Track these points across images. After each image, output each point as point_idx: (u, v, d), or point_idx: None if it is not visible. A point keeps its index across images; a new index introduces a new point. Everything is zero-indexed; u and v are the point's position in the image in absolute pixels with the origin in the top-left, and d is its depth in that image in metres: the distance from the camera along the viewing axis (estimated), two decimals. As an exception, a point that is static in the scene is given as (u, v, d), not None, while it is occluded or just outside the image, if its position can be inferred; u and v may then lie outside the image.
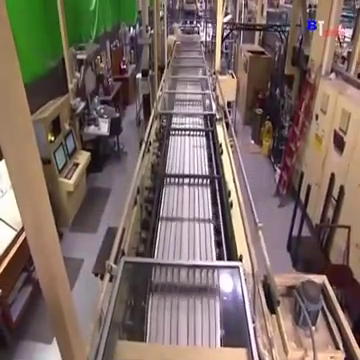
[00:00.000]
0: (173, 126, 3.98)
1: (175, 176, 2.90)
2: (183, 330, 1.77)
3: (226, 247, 2.20)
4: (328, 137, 5.30)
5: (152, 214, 2.45)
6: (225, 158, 3.20)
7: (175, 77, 5.75)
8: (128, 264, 1.92)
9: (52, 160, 5.39)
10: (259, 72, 9.84)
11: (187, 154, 3.32)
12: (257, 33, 11.55)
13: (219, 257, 2.21)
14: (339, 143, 4.89)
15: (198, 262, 1.95)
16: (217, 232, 2.36)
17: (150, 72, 9.49)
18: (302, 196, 5.70)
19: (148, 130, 3.55)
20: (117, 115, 8.28)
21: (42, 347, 4.02)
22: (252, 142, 9.78)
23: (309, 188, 5.43)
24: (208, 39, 8.79)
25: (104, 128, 7.58)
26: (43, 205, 0.83)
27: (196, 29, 11.40)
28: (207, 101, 4.79)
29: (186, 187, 2.83)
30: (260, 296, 1.80)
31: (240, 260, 1.98)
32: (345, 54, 8.98)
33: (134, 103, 11.54)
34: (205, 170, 3.11)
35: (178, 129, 3.84)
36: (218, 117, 4.13)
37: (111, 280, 1.93)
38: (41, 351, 4.00)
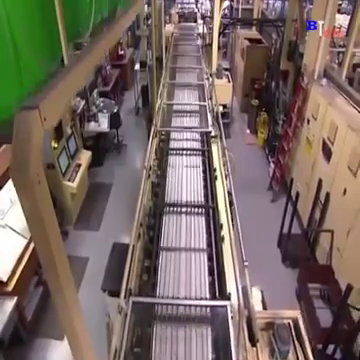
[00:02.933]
0: (171, 145, 4.26)
1: (173, 205, 3.23)
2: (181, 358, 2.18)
3: (218, 282, 2.57)
4: (318, 143, 5.59)
5: (153, 250, 2.80)
6: (219, 184, 3.53)
7: (173, 82, 5.94)
8: (136, 304, 2.30)
9: (56, 165, 5.67)
10: (256, 61, 9.92)
11: (184, 179, 3.64)
12: (255, 17, 11.48)
13: (212, 285, 2.59)
14: (327, 152, 5.20)
15: (193, 302, 2.34)
16: (211, 263, 2.73)
17: (148, 62, 9.59)
18: (293, 193, 6.05)
19: (148, 153, 3.83)
20: (116, 109, 8.46)
21: (55, 343, 4.52)
22: (248, 132, 10.02)
23: (299, 189, 5.79)
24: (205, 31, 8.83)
25: (104, 124, 7.80)
26: (48, 213, 1.05)
27: (193, 15, 11.31)
28: (204, 111, 5.03)
29: (184, 215, 3.18)
30: (244, 332, 2.20)
31: (228, 298, 2.37)
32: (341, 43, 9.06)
33: (132, 88, 11.63)
34: (201, 195, 3.44)
35: (176, 149, 4.13)
36: (213, 134, 4.40)
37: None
38: (54, 347, 4.50)
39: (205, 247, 2.82)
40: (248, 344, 2.18)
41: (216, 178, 3.62)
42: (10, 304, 4.03)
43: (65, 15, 6.70)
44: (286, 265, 5.89)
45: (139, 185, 3.30)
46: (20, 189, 0.83)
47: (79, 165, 6.46)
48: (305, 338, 2.16)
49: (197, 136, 4.46)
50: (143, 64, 9.37)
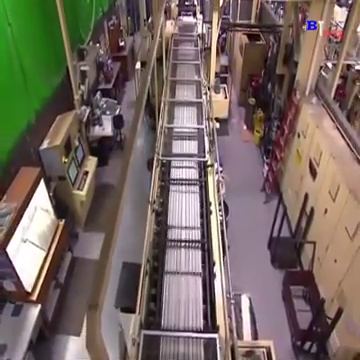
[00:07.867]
0: (171, 173, 4.79)
1: (174, 241, 3.84)
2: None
3: (210, 313, 3.22)
4: (306, 159, 6.11)
5: (158, 281, 3.44)
6: (213, 219, 4.10)
7: (173, 100, 6.36)
8: (146, 336, 2.97)
9: (66, 177, 6.20)
10: (254, 58, 10.19)
11: (183, 212, 4.21)
12: (253, 10, 11.56)
13: (205, 316, 3.25)
14: (313, 171, 5.74)
15: (189, 334, 3.00)
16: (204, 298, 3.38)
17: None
18: (284, 199, 6.63)
19: (152, 187, 4.38)
20: (118, 110, 8.86)
21: (73, 339, 5.30)
22: (245, 128, 10.45)
23: (289, 194, 6.35)
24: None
25: (108, 127, 8.25)
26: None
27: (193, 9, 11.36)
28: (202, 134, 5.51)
29: (183, 249, 3.79)
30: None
31: (217, 330, 3.03)
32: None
33: (133, 79, 11.88)
34: (198, 229, 4.03)
35: (175, 179, 4.67)
36: (209, 163, 4.91)
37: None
38: (72, 342, 5.28)
39: (200, 284, 3.46)
40: (232, 371, 2.86)
41: (211, 213, 4.19)
42: (35, 311, 4.74)
43: (66, 18, 6.76)
44: (275, 267, 6.58)
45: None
46: (91, 352, 1.40)
47: (86, 172, 7.00)
48: (276, 363, 2.85)
49: (195, 164, 4.98)
50: (143, 64, 9.65)
